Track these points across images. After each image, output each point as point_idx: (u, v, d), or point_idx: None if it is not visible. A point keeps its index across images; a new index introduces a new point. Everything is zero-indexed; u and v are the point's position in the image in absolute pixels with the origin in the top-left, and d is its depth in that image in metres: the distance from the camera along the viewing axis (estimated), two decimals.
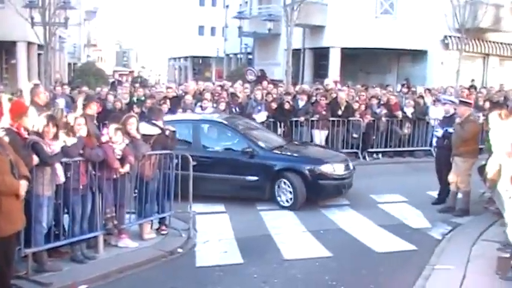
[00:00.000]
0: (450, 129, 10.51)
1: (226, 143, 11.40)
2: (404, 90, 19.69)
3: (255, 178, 10.72)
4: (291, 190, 10.45)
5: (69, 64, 43.52)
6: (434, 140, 12.14)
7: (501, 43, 29.82)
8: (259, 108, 15.11)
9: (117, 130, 7.79)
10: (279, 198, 10.62)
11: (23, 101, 7.92)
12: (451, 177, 10.28)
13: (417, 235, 8.96)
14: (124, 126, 8.02)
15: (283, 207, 10.45)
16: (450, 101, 11.65)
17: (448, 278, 6.74)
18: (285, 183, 10.53)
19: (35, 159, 6.52)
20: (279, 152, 11.17)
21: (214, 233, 9.08)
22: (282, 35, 30.24)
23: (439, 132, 11.02)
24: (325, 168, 10.64)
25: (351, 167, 11.30)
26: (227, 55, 47.20)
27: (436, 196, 11.00)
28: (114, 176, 7.72)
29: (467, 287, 6.39)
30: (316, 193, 10.67)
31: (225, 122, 11.75)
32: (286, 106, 15.31)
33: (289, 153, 11.31)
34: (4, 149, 5.86)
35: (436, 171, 11.09)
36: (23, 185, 5.84)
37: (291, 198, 10.47)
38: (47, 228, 6.88)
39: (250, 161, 10.81)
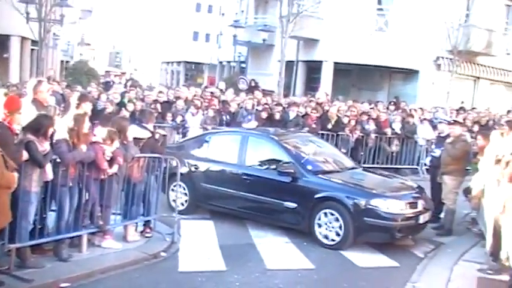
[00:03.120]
0: None
1: (270, 161, 9.94)
2: (391, 107, 19.88)
3: (294, 205, 9.44)
4: (334, 226, 8.90)
5: (62, 62, 43.37)
6: (428, 159, 12.16)
7: (492, 67, 30.13)
8: (249, 117, 15.16)
9: (113, 133, 7.81)
10: (317, 233, 9.07)
11: (19, 97, 7.88)
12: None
13: (400, 252, 9.01)
14: (117, 129, 8.02)
15: (324, 245, 8.94)
16: (446, 120, 11.77)
17: None
18: (325, 215, 9.00)
19: (25, 155, 6.52)
20: (324, 177, 9.58)
21: (198, 239, 9.12)
22: (276, 46, 30.40)
23: (437, 152, 11.01)
24: (375, 204, 8.76)
25: (420, 207, 9.21)
26: (220, 62, 47.27)
27: None
28: (102, 177, 7.73)
29: None
30: (360, 233, 8.86)
31: (275, 137, 10.47)
32: (276, 117, 15.38)
33: (335, 180, 9.49)
34: None
35: (430, 190, 11.09)
36: (15, 178, 5.94)
37: (338, 234, 8.86)
38: (32, 224, 6.87)
39: (290, 184, 9.45)
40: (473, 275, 7.42)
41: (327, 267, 8.13)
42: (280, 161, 9.79)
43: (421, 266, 8.26)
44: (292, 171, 9.45)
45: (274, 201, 9.57)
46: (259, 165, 10.10)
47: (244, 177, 10.01)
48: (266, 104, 16.91)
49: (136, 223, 8.89)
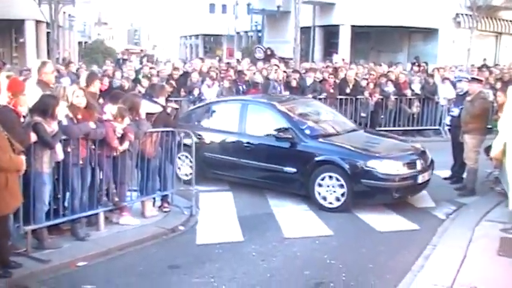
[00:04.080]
0: None
1: (270, 128, 9.81)
2: (415, 68, 19.51)
3: (294, 170, 9.47)
4: (333, 189, 8.94)
5: (80, 43, 43.50)
6: (448, 119, 11.95)
7: None
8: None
9: (123, 110, 7.74)
10: (318, 197, 9.12)
11: (25, 79, 7.86)
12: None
13: (421, 214, 8.89)
14: (129, 106, 7.94)
15: (325, 209, 8.97)
16: (465, 78, 11.49)
17: (449, 258, 6.67)
18: (324, 179, 8.98)
19: (33, 137, 6.48)
20: (323, 141, 9.49)
21: (217, 211, 9.08)
22: (291, 12, 29.99)
23: (456, 111, 10.79)
24: (372, 165, 8.73)
25: (419, 167, 9.12)
26: (238, 33, 46.90)
27: (449, 173, 10.93)
28: (114, 154, 7.69)
29: (467, 267, 6.31)
30: (357, 195, 8.89)
31: (273, 103, 10.40)
32: (293, 84, 15.20)
33: (333, 143, 9.40)
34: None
35: (452, 150, 10.95)
36: (23, 161, 5.94)
37: (338, 198, 8.91)
38: (47, 205, 6.88)
39: (289, 150, 9.45)
40: (496, 235, 7.26)
41: (346, 233, 8.03)
42: (279, 127, 9.71)
43: (442, 228, 8.11)
44: (290, 136, 9.45)
45: (274, 167, 9.59)
46: (259, 132, 10.07)
47: (245, 144, 10.00)
48: (284, 71, 16.69)
49: (154, 198, 8.87)
